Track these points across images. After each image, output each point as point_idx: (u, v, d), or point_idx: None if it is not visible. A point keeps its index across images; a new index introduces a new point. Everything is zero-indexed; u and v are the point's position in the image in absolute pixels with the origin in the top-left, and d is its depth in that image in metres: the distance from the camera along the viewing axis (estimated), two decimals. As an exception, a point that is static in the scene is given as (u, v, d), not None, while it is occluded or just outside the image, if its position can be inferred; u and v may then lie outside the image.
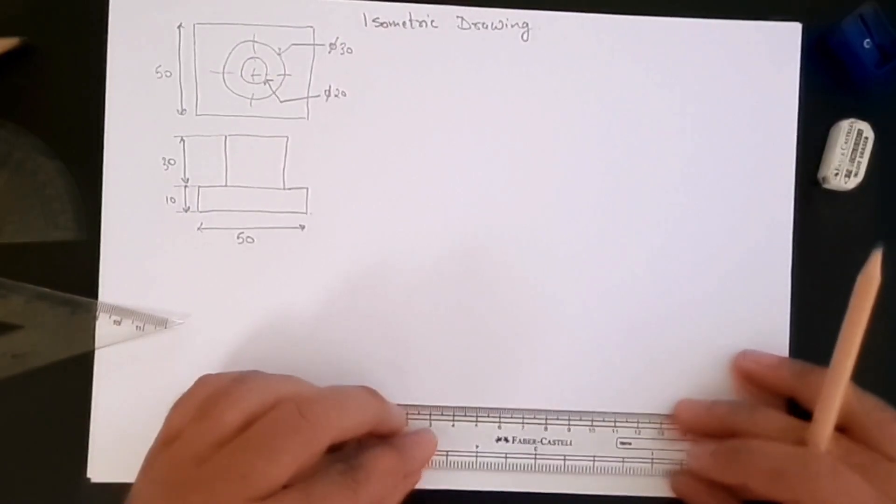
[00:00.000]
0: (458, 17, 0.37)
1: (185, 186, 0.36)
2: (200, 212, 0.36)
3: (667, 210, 0.37)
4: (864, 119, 0.36)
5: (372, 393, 0.33)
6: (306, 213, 0.36)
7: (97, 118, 0.36)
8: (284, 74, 0.36)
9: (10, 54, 0.36)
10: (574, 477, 0.36)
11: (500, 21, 0.37)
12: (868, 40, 0.36)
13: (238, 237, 0.36)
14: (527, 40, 0.37)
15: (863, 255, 0.37)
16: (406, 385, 0.36)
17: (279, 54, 0.36)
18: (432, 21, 0.37)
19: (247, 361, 0.36)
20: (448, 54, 0.37)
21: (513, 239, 0.36)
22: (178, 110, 0.36)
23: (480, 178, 0.36)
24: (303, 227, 0.36)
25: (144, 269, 0.36)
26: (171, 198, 0.36)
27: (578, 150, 0.37)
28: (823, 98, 0.37)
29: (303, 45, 0.36)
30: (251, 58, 0.36)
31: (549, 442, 0.35)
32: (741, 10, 0.37)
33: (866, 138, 0.36)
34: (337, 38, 0.36)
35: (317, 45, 0.36)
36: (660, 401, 0.36)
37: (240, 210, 0.36)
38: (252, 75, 0.36)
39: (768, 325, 0.36)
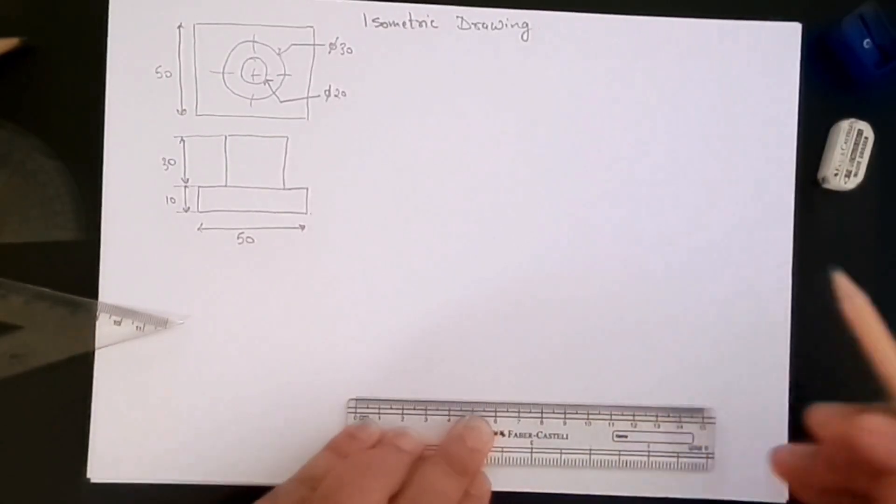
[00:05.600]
0: (458, 17, 0.37)
1: (185, 186, 0.36)
2: (200, 212, 0.36)
3: (666, 209, 0.37)
4: (864, 119, 0.36)
5: (450, 470, 0.33)
6: (306, 213, 0.36)
7: (97, 118, 0.36)
8: (284, 74, 0.36)
9: (10, 54, 0.36)
10: (570, 470, 0.36)
11: (500, 21, 0.37)
12: (868, 40, 0.36)
13: (238, 237, 0.36)
14: (527, 40, 0.37)
15: (863, 255, 0.37)
16: (403, 381, 0.36)
17: (279, 54, 0.36)
18: (432, 21, 0.37)
19: (247, 361, 0.36)
20: (448, 54, 0.37)
21: (512, 236, 0.36)
22: (178, 110, 0.36)
23: (480, 178, 0.36)
24: (303, 227, 0.36)
25: (144, 269, 0.36)
26: (171, 198, 0.36)
27: (578, 149, 0.37)
28: (823, 98, 0.37)
29: (303, 45, 0.36)
30: (251, 58, 0.36)
31: (545, 436, 0.35)
32: (741, 10, 0.37)
33: (866, 138, 0.36)
34: (337, 38, 0.36)
35: (317, 45, 0.36)
36: (656, 393, 0.36)
37: (240, 210, 0.36)
38: (252, 75, 0.36)
39: (768, 325, 0.36)
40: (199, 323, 0.36)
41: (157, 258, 0.36)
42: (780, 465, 0.30)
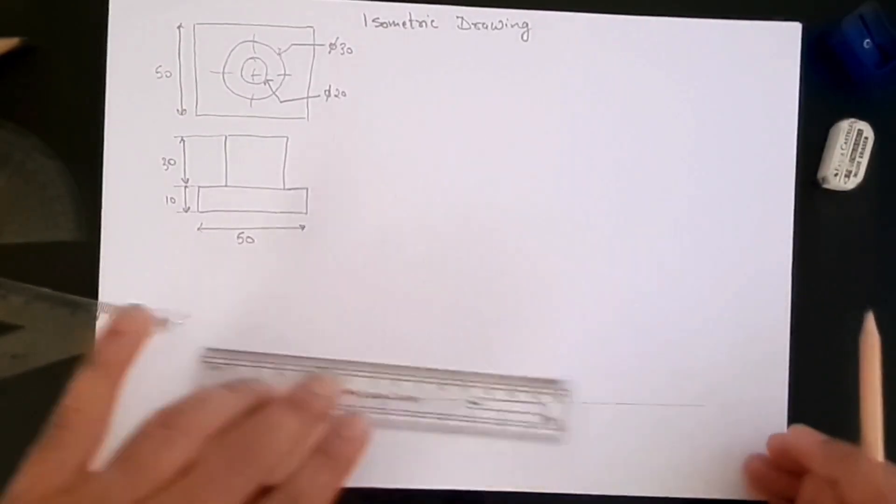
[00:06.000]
0: (458, 17, 0.37)
1: (185, 186, 0.36)
2: (200, 212, 0.36)
3: (665, 209, 0.37)
4: (864, 119, 0.36)
5: (293, 410, 0.31)
6: (306, 213, 0.36)
7: (97, 118, 0.36)
8: (284, 74, 0.36)
9: (10, 54, 0.36)
10: (422, 434, 0.35)
11: (500, 21, 0.37)
12: (868, 40, 0.36)
13: (238, 237, 0.36)
14: (527, 40, 0.37)
15: (863, 255, 0.37)
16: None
17: (279, 54, 0.36)
18: (432, 21, 0.37)
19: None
20: (448, 54, 0.36)
21: (511, 234, 0.36)
22: (178, 110, 0.36)
23: (480, 178, 0.36)
24: (303, 227, 0.36)
25: (144, 269, 0.36)
26: (171, 198, 0.36)
27: (578, 149, 0.37)
28: (823, 98, 0.37)
29: (303, 45, 0.36)
30: (251, 58, 0.36)
31: (398, 398, 0.35)
32: (741, 10, 0.37)
33: (866, 138, 0.36)
34: (337, 38, 0.36)
35: (317, 45, 0.36)
36: (654, 392, 0.36)
37: (240, 210, 0.36)
38: (252, 75, 0.36)
39: (767, 324, 0.36)
40: (199, 323, 0.36)
41: (157, 258, 0.36)
42: (750, 469, 0.35)
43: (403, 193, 0.36)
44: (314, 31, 0.36)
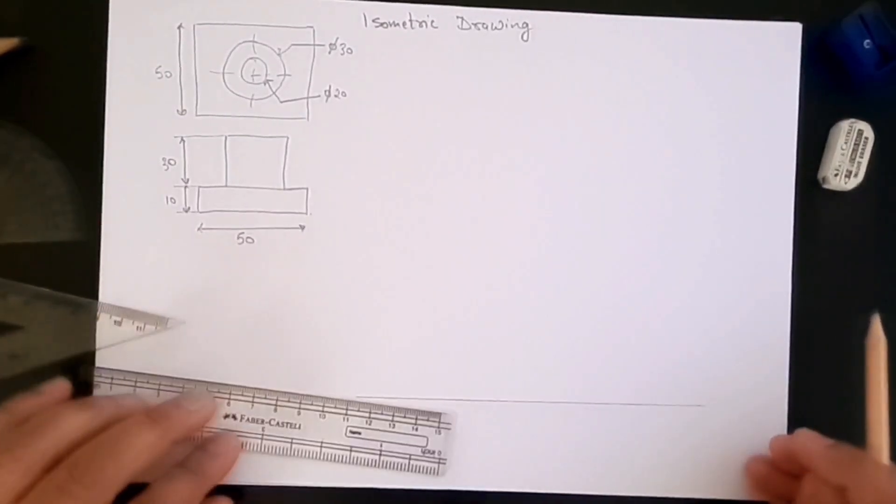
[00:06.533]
0: (458, 17, 0.37)
1: (185, 186, 0.36)
2: (200, 212, 0.36)
3: (665, 209, 0.37)
4: (864, 119, 0.36)
5: (149, 422, 0.31)
6: (306, 213, 0.36)
7: (97, 118, 0.36)
8: (284, 75, 0.36)
9: (10, 54, 0.36)
10: (300, 461, 0.35)
11: (500, 21, 0.37)
12: (868, 40, 0.36)
13: (238, 237, 0.36)
14: (527, 40, 0.37)
15: (863, 255, 0.37)
16: (395, 383, 0.36)
17: (279, 54, 0.36)
18: (432, 21, 0.37)
19: (246, 362, 0.36)
20: (448, 54, 0.36)
21: (510, 234, 0.36)
22: (178, 110, 0.36)
23: (479, 178, 0.36)
24: (303, 228, 0.36)
25: (144, 269, 0.36)
26: (171, 198, 0.36)
27: (578, 148, 0.37)
28: (823, 98, 0.37)
29: (303, 46, 0.36)
30: (251, 58, 0.36)
31: (278, 423, 0.35)
32: (741, 10, 0.37)
33: (866, 138, 0.36)
34: (337, 38, 0.36)
35: (317, 45, 0.36)
36: (653, 392, 0.36)
37: (240, 210, 0.36)
38: (252, 75, 0.36)
39: (767, 324, 0.36)
40: (199, 323, 0.36)
41: (157, 258, 0.36)
42: (752, 470, 0.35)
43: (403, 193, 0.36)
44: (314, 31, 0.36)
